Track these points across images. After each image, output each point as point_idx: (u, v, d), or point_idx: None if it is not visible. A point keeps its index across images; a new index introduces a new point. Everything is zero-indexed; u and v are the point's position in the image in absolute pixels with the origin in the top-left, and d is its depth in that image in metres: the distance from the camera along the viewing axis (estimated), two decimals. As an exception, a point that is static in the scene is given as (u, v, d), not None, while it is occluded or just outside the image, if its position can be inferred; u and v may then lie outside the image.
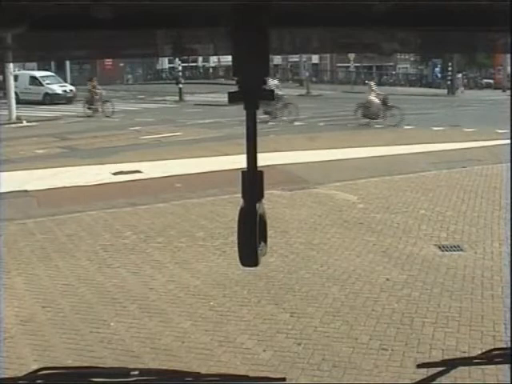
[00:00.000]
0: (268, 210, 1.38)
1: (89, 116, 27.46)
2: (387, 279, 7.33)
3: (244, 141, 1.32)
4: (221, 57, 37.28)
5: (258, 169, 1.34)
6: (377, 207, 10.75)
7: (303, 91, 40.23)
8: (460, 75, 45.61)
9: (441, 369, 1.64)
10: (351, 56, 44.61)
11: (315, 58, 47.80)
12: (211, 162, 14.89)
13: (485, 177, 13.04)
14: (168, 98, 36.02)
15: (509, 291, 6.44)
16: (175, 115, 26.87)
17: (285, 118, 23.11)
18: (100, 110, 27.64)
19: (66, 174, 13.97)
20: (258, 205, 1.34)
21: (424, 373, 1.73)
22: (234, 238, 1.33)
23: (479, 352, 1.92)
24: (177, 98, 35.05)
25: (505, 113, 19.77)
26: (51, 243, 8.99)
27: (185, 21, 1.21)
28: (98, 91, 28.36)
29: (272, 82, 19.07)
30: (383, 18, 1.18)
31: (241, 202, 1.34)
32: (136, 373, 1.50)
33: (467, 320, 6.16)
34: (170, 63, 49.07)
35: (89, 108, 27.95)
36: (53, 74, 38.75)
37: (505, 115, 17.55)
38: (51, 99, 34.94)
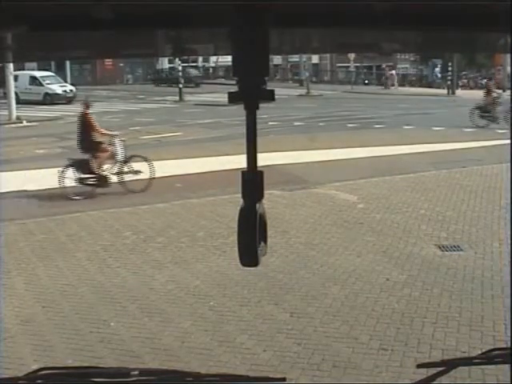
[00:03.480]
0: (268, 210, 1.38)
1: (479, 127, 20.43)
2: (387, 279, 7.33)
3: (244, 141, 1.32)
4: (220, 57, 37.29)
5: (258, 169, 1.34)
6: (377, 207, 10.75)
7: (303, 91, 40.27)
8: (394, 71, 45.68)
9: (441, 369, 1.64)
10: (351, 56, 44.72)
11: (315, 58, 47.80)
12: (211, 161, 14.90)
13: (485, 177, 13.03)
14: (168, 98, 36.05)
15: (509, 291, 6.44)
16: (175, 115, 26.87)
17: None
18: (502, 119, 20.64)
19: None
20: (258, 205, 1.34)
21: (424, 373, 1.73)
22: (234, 237, 1.33)
23: (479, 352, 1.92)
24: (177, 98, 35.10)
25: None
26: (51, 243, 8.99)
27: (185, 21, 1.21)
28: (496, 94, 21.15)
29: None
30: (383, 18, 1.18)
31: (241, 202, 1.33)
32: (136, 373, 1.50)
33: (467, 320, 6.16)
34: (170, 63, 49.10)
35: (481, 116, 20.93)
36: (53, 74, 38.80)
37: (505, 115, 17.55)
38: (51, 99, 34.99)
